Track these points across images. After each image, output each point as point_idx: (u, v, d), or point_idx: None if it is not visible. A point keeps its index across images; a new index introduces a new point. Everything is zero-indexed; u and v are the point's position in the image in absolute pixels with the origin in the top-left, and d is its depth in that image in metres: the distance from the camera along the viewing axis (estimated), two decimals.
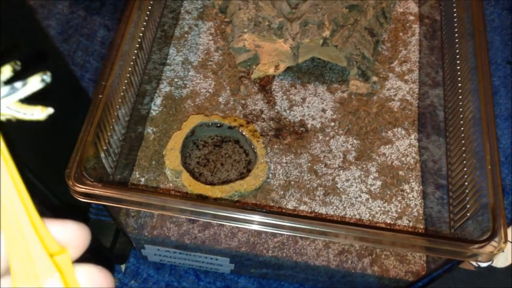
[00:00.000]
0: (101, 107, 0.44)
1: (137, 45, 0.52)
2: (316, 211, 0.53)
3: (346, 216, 0.53)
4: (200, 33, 0.66)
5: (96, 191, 0.40)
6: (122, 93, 0.49)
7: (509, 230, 0.54)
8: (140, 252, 0.55)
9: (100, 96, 0.44)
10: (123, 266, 0.58)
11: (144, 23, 0.54)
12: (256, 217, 0.40)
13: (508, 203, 0.68)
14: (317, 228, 0.40)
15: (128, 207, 0.40)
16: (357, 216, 0.54)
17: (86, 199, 0.40)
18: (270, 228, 0.40)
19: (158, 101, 0.59)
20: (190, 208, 0.40)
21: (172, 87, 0.61)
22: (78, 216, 0.53)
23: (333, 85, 0.63)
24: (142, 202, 0.40)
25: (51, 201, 0.46)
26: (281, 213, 0.40)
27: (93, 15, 0.79)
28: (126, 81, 0.49)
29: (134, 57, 0.51)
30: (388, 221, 0.54)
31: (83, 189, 0.39)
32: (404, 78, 0.64)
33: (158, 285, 0.57)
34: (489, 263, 0.43)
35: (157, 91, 0.60)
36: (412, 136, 0.60)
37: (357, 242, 0.41)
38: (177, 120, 0.58)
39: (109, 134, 0.46)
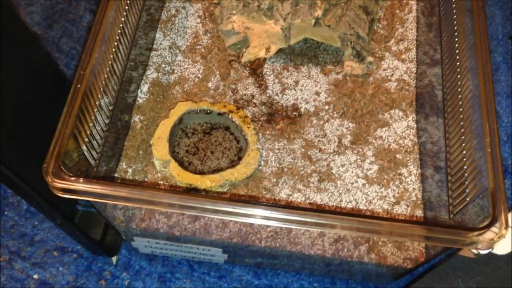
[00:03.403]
0: (80, 97, 0.41)
1: (119, 30, 0.50)
2: (310, 198, 0.51)
3: (342, 202, 0.52)
4: (188, 16, 0.63)
5: (76, 186, 0.38)
6: (104, 82, 0.46)
7: (510, 215, 0.52)
8: (130, 244, 0.54)
9: (79, 85, 0.42)
10: (114, 258, 0.57)
11: (126, 7, 0.51)
12: (244, 210, 0.38)
13: (510, 184, 0.66)
14: (310, 220, 0.38)
15: (110, 201, 0.38)
16: (353, 203, 0.52)
17: (66, 195, 0.38)
18: (260, 220, 0.39)
19: (144, 88, 0.57)
20: (177, 202, 0.39)
21: (160, 73, 0.58)
22: (65, 208, 0.51)
23: (327, 66, 0.61)
24: (124, 196, 0.38)
25: (35, 194, 0.44)
26: (271, 204, 0.38)
27: None
28: (108, 68, 0.47)
29: (116, 43, 0.49)
30: (386, 207, 0.52)
31: (62, 185, 0.38)
32: (401, 57, 0.62)
33: (151, 277, 0.56)
34: (489, 250, 0.41)
35: (144, 77, 0.58)
36: (410, 118, 0.58)
37: (352, 232, 0.39)
38: (165, 108, 0.56)
39: (90, 125, 0.44)
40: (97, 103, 0.45)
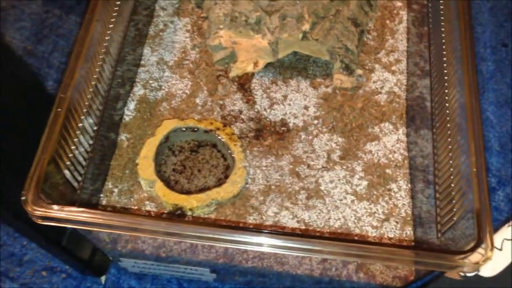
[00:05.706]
0: (60, 121, 0.41)
1: (104, 50, 0.49)
2: (298, 216, 0.51)
3: (330, 220, 0.51)
4: (176, 31, 0.63)
5: (57, 214, 0.37)
6: (87, 102, 0.46)
7: (502, 231, 0.51)
8: (117, 264, 0.53)
9: (59, 109, 0.41)
10: (103, 278, 0.56)
11: (111, 25, 0.51)
12: (227, 236, 0.38)
13: (505, 195, 0.66)
14: (295, 245, 0.38)
15: (92, 229, 0.38)
16: (342, 220, 0.51)
17: (46, 223, 0.38)
18: (243, 245, 0.38)
19: (131, 105, 0.57)
20: (161, 229, 0.38)
21: (147, 90, 0.58)
22: (52, 228, 0.51)
23: (317, 79, 0.60)
24: (106, 224, 0.38)
25: (13, 218, 0.44)
26: (255, 230, 0.38)
27: (68, 13, 0.76)
28: (91, 89, 0.47)
29: (100, 62, 0.49)
30: (375, 224, 0.51)
31: (42, 213, 0.37)
32: (391, 69, 0.61)
33: None
34: (475, 272, 0.41)
35: (131, 94, 0.57)
36: (400, 131, 0.57)
37: (339, 257, 0.39)
38: (152, 125, 0.55)
39: (72, 147, 0.43)
40: (79, 124, 0.45)
